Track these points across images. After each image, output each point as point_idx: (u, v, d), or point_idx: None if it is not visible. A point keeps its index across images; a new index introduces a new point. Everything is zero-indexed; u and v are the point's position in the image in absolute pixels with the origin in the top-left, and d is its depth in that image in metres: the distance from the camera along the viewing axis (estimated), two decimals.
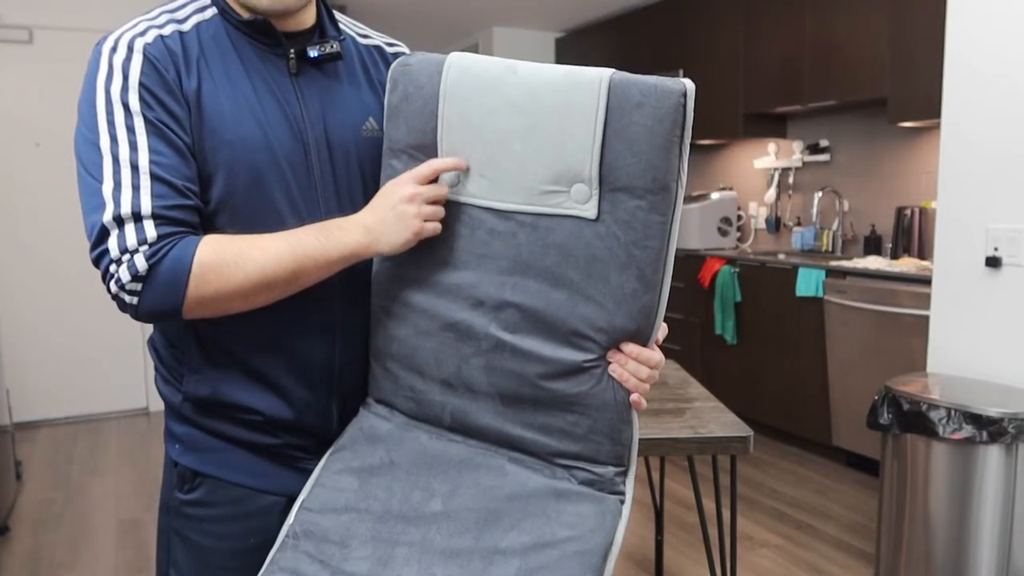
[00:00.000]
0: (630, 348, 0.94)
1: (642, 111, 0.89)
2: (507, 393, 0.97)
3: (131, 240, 0.88)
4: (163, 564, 1.08)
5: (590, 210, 0.92)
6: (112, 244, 0.88)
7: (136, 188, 0.89)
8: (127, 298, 0.89)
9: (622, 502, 0.97)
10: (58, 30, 4.38)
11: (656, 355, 0.95)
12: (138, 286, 0.88)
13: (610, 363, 0.95)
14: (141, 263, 0.87)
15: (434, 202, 0.96)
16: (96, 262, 0.89)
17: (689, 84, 0.89)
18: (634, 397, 0.95)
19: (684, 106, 0.89)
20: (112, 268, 0.88)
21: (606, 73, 0.91)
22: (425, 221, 0.95)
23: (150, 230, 0.88)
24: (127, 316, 4.64)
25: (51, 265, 4.44)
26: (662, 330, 0.97)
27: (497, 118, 0.94)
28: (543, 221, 0.94)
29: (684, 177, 0.92)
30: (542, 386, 0.95)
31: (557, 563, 0.90)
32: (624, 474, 0.98)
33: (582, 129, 0.91)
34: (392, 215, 0.94)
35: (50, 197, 4.40)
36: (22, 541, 3.01)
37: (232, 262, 0.90)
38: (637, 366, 0.94)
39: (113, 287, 0.89)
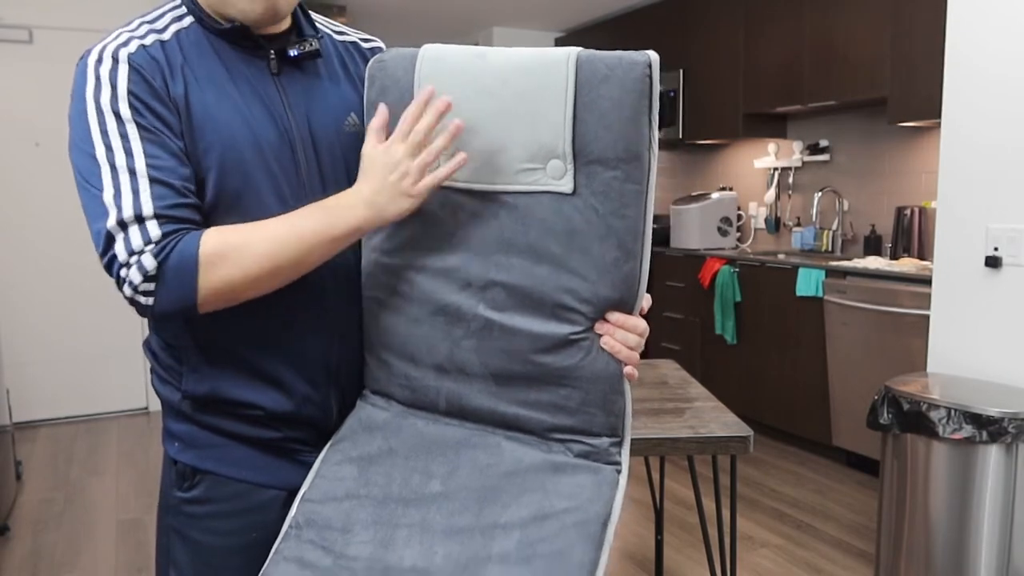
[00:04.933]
0: (616, 317, 0.96)
1: (609, 84, 0.91)
2: (499, 372, 0.99)
3: (136, 241, 0.88)
4: (162, 565, 1.08)
5: (566, 184, 0.94)
6: (119, 248, 0.89)
7: (136, 192, 0.90)
8: (142, 299, 0.90)
9: (618, 472, 0.98)
10: (58, 30, 4.38)
11: (642, 323, 0.97)
12: (151, 286, 0.89)
13: (600, 335, 0.96)
14: (149, 262, 0.88)
15: (418, 149, 0.95)
16: (107, 269, 0.90)
17: (653, 55, 0.92)
18: (627, 369, 0.97)
19: (650, 76, 0.91)
20: (123, 272, 0.89)
21: (573, 51, 0.93)
22: (425, 173, 0.95)
23: (154, 229, 0.89)
24: (126, 316, 4.66)
25: (51, 265, 4.45)
26: (646, 300, 0.99)
27: (470, 103, 0.96)
28: (522, 199, 0.96)
29: (655, 147, 0.95)
30: (532, 361, 0.97)
31: (557, 534, 0.92)
32: (619, 444, 1.00)
33: (553, 106, 0.93)
34: (388, 184, 0.95)
35: (50, 197, 4.40)
36: (22, 541, 3.01)
37: (237, 249, 0.91)
38: (625, 335, 0.96)
39: (127, 291, 0.89)
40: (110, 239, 0.89)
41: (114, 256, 0.89)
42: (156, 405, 4.70)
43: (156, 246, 0.89)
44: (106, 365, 4.61)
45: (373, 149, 0.97)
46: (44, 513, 3.26)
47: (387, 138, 0.98)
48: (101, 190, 0.90)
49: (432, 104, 0.95)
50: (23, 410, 4.43)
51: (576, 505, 0.94)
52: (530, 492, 0.96)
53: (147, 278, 0.88)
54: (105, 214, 0.89)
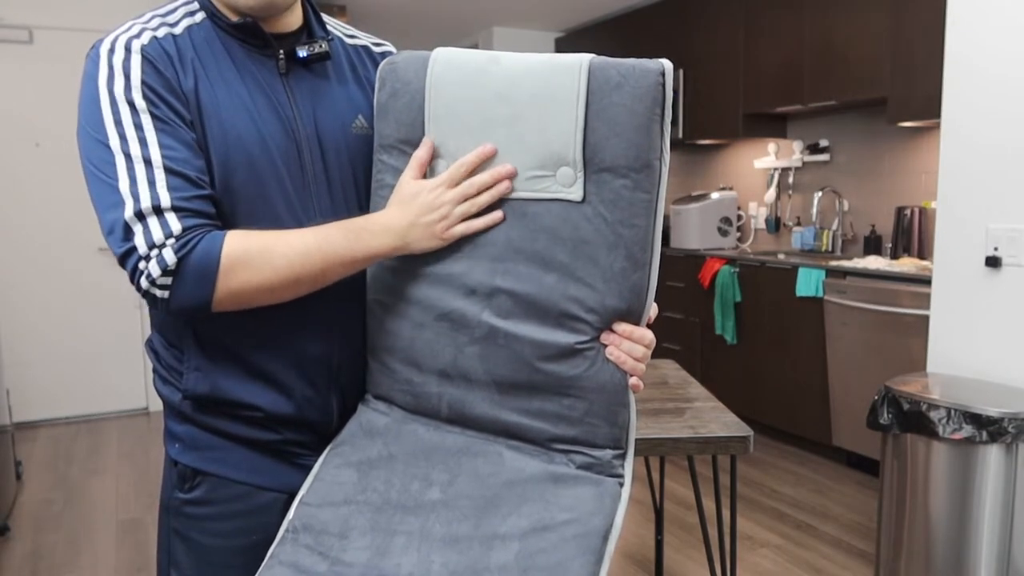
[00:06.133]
0: (622, 327, 0.95)
1: (622, 92, 0.91)
2: (503, 380, 0.98)
3: (157, 234, 0.88)
4: (164, 566, 1.08)
5: (576, 192, 0.93)
6: (139, 240, 0.88)
7: (152, 183, 0.90)
8: (158, 293, 0.89)
9: (621, 485, 0.97)
10: (58, 30, 4.38)
11: (648, 334, 0.96)
12: (168, 280, 0.89)
13: (606, 346, 0.95)
14: (170, 257, 0.88)
15: (467, 198, 0.96)
16: (123, 260, 0.90)
17: (667, 64, 0.91)
18: (633, 380, 0.96)
19: (663, 85, 0.90)
20: (141, 265, 0.89)
21: (585, 57, 0.93)
22: (460, 221, 0.96)
23: (174, 223, 0.89)
24: (126, 316, 4.66)
25: (51, 265, 4.44)
26: (653, 310, 0.98)
27: (481, 108, 0.96)
28: (531, 207, 0.95)
29: (667, 155, 0.94)
30: (537, 370, 0.96)
31: (556, 546, 0.91)
32: (622, 457, 0.98)
33: (564, 113, 0.92)
34: (424, 223, 0.96)
35: (50, 197, 4.40)
36: (22, 541, 3.01)
37: (260, 256, 0.91)
38: (632, 345, 0.95)
39: (144, 283, 0.89)
40: (128, 230, 0.89)
41: (133, 248, 0.89)
42: (156, 405, 4.70)
43: (177, 241, 0.88)
44: (106, 365, 4.61)
45: (416, 183, 0.98)
46: (44, 513, 3.26)
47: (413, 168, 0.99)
48: (116, 179, 0.89)
49: (495, 168, 0.95)
50: (23, 410, 4.43)
51: (576, 517, 0.93)
52: (530, 503, 0.95)
53: (166, 272, 0.88)
54: (120, 204, 0.89)
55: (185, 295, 0.90)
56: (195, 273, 0.89)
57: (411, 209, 0.96)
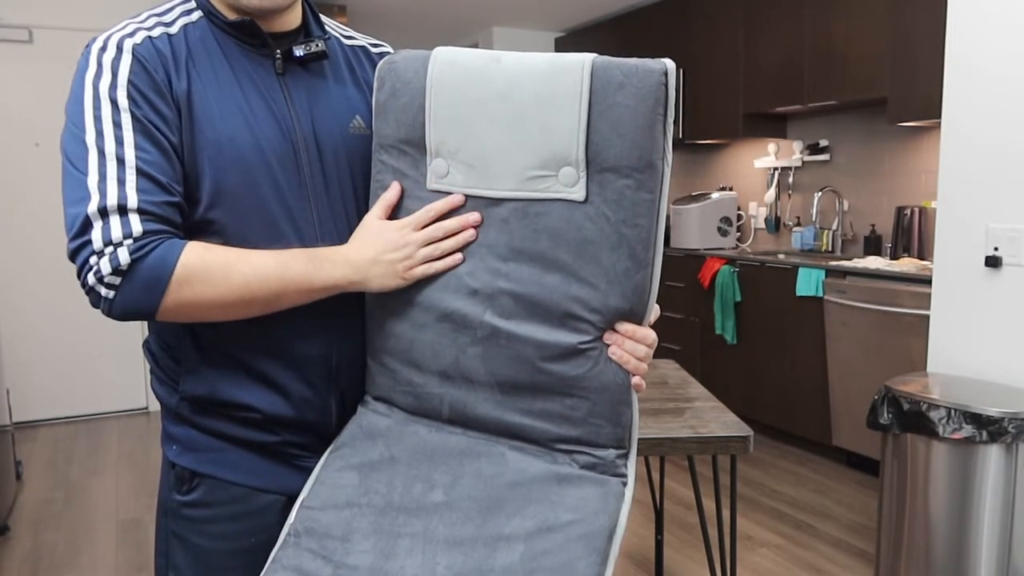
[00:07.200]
0: (625, 327, 0.95)
1: (625, 91, 0.91)
2: (505, 381, 0.97)
3: (116, 233, 0.87)
4: (162, 568, 1.07)
5: (578, 192, 0.93)
6: (96, 235, 0.87)
7: (122, 182, 0.88)
8: (103, 291, 0.88)
9: (624, 484, 0.97)
10: (58, 30, 4.38)
11: (651, 333, 0.96)
12: (117, 280, 0.87)
13: (608, 345, 0.95)
14: (124, 256, 0.87)
15: (432, 242, 0.98)
16: (74, 253, 0.88)
17: (670, 63, 0.91)
18: (635, 380, 0.96)
19: (666, 84, 0.90)
20: (92, 260, 0.87)
21: (588, 57, 0.92)
22: (423, 263, 0.98)
23: (136, 224, 0.88)
24: None
25: (51, 265, 4.44)
26: (655, 311, 0.98)
27: (483, 107, 0.95)
28: (533, 207, 0.95)
29: (669, 155, 0.94)
30: (540, 370, 0.96)
31: (561, 547, 0.91)
32: (625, 456, 0.98)
33: (567, 113, 0.92)
34: (386, 261, 0.97)
35: (50, 197, 4.40)
36: (22, 541, 3.01)
37: (218, 271, 0.90)
38: (634, 345, 0.95)
39: (91, 278, 0.87)
40: (87, 224, 0.87)
41: (88, 241, 0.87)
42: (156, 405, 4.70)
43: (135, 243, 0.87)
44: (106, 365, 4.61)
45: (381, 222, 0.99)
46: (44, 513, 3.26)
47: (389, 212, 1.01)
48: (86, 174, 0.88)
49: (464, 215, 0.97)
50: (23, 410, 4.43)
51: (581, 518, 0.93)
52: (535, 503, 0.94)
53: (116, 272, 0.87)
54: (86, 199, 0.87)
55: (131, 298, 0.88)
56: (146, 278, 0.87)
57: (375, 245, 0.97)
